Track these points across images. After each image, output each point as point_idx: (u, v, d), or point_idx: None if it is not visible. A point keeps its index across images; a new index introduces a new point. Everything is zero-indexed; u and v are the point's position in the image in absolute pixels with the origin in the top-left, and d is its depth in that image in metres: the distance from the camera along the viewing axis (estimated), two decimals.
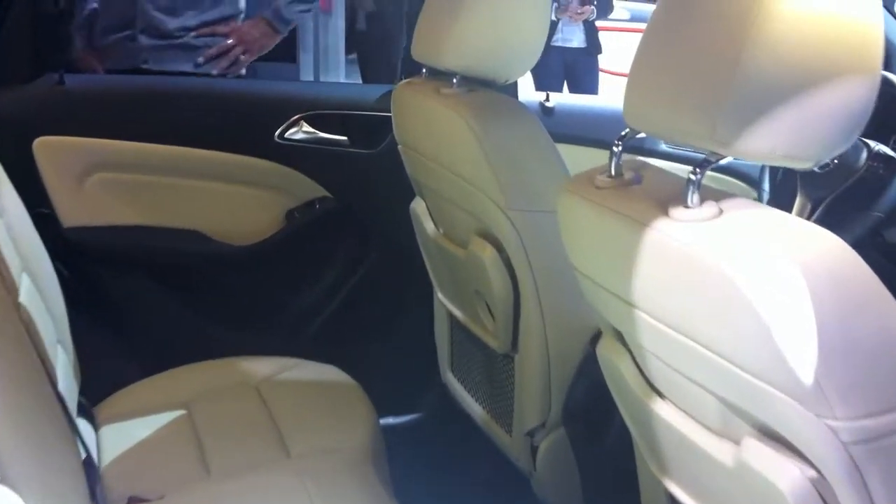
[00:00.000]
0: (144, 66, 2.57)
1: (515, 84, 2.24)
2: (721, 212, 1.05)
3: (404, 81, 2.01)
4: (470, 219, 1.84)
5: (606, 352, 1.34)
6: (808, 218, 2.25)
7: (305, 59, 6.51)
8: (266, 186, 2.36)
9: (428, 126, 1.87)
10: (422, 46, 1.86)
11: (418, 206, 2.10)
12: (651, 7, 1.22)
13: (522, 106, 1.83)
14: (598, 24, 6.27)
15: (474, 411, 2.13)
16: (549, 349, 1.76)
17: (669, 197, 1.09)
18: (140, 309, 2.36)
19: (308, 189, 2.36)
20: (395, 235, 2.28)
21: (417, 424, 2.47)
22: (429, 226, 2.07)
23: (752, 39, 0.98)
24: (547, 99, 2.58)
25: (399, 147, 2.03)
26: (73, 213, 2.26)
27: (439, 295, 2.17)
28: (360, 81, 5.47)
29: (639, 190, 1.19)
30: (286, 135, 2.32)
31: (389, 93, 2.01)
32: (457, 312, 2.09)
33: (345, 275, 2.45)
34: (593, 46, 6.21)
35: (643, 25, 1.18)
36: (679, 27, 1.10)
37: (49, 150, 2.22)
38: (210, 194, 2.34)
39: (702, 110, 1.02)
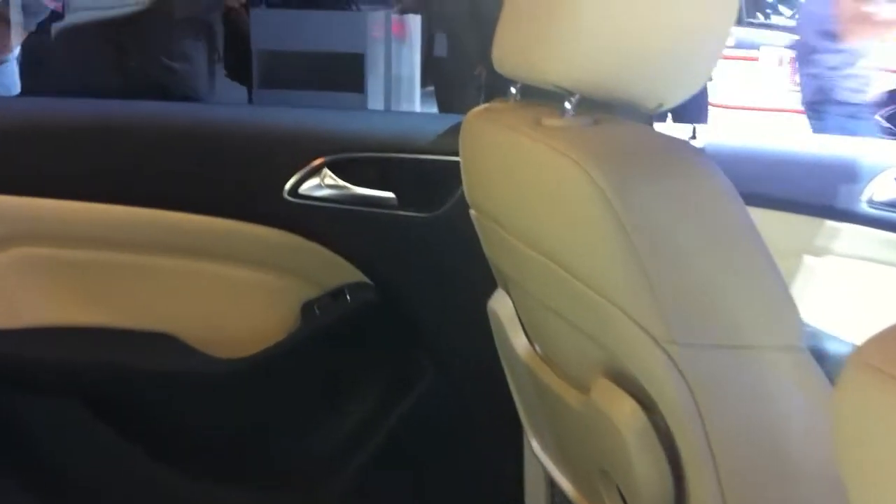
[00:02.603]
0: None
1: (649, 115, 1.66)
2: None
3: (480, 107, 1.47)
4: (591, 346, 1.25)
5: None
6: None
7: (374, 88, 6.07)
8: (271, 267, 1.92)
9: (518, 181, 1.30)
10: (510, 51, 1.31)
11: (501, 307, 1.55)
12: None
13: (695, 150, 1.22)
14: None
15: None
16: None
17: None
18: (76, 456, 1.91)
19: (333, 271, 1.90)
20: (465, 345, 1.84)
21: None
22: (518, 340, 1.51)
23: None
24: (693, 136, 1.98)
25: (471, 212, 1.50)
26: None
27: (533, 444, 1.64)
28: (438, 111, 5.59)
29: None
30: (302, 189, 1.84)
31: (458, 127, 1.51)
32: (562, 481, 1.55)
33: (387, 403, 1.98)
34: None
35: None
36: None
37: None
38: (188, 280, 1.90)
39: None
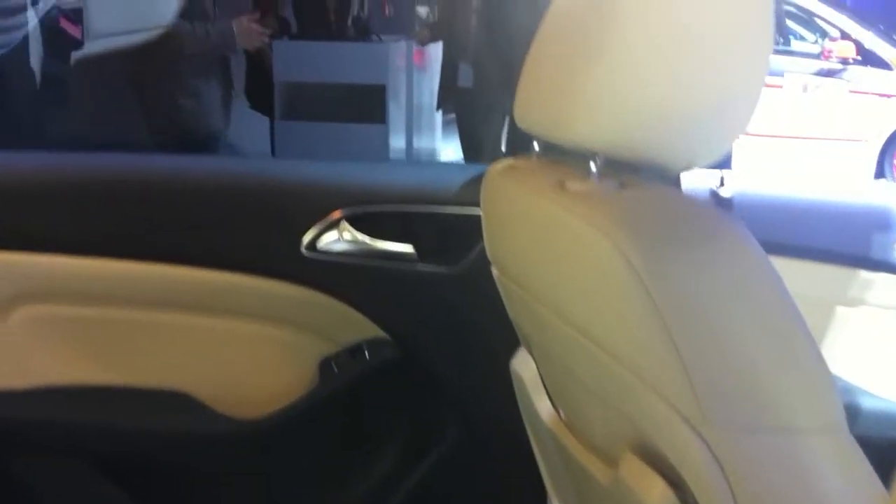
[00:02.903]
0: None
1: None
2: None
3: (502, 162, 1.39)
4: (619, 419, 1.18)
5: None
6: None
7: (396, 118, 6.00)
8: (287, 323, 1.84)
9: (542, 248, 1.23)
10: (531, 108, 1.23)
11: (523, 368, 1.47)
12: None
13: (728, 219, 1.10)
14: None
15: None
16: None
17: None
18: None
19: (352, 327, 1.83)
20: (488, 404, 1.75)
21: None
22: (541, 404, 1.44)
23: None
24: (721, 184, 1.89)
25: (492, 269, 1.43)
26: None
27: None
28: (459, 141, 5.41)
29: None
30: (320, 244, 1.78)
31: (480, 177, 1.44)
32: None
33: (408, 463, 1.90)
34: None
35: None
36: None
37: None
38: (202, 337, 1.83)
39: None
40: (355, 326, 1.82)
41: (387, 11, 7.64)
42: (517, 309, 1.38)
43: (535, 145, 1.29)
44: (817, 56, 8.33)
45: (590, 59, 1.07)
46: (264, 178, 1.85)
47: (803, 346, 1.01)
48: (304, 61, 5.37)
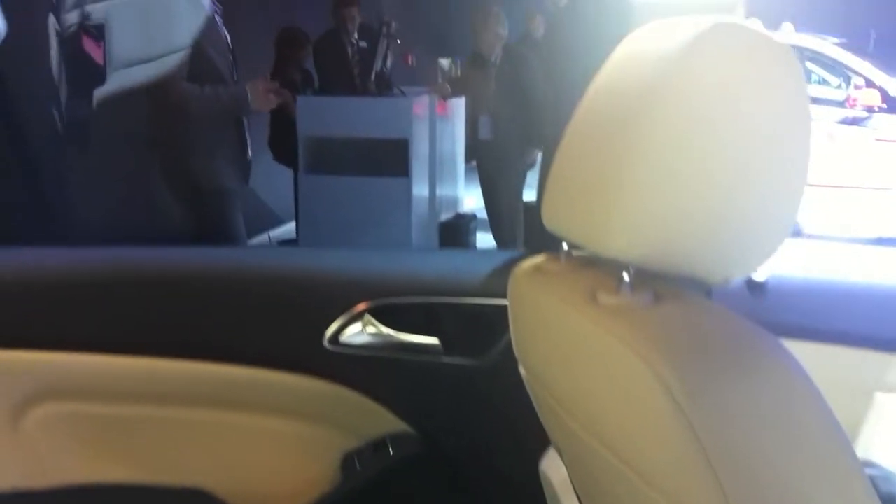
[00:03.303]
0: None
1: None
2: None
3: (529, 262, 1.30)
4: None
5: None
6: None
7: (419, 170, 5.97)
8: (309, 417, 1.77)
9: (573, 362, 1.14)
10: (561, 213, 1.16)
11: (553, 471, 1.43)
12: None
13: (770, 339, 1.02)
14: None
15: None
16: None
17: None
18: None
19: (375, 420, 1.76)
20: (517, 502, 1.64)
21: None
22: None
23: None
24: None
25: (520, 369, 1.35)
26: (2, 469, 1.72)
27: None
28: (480, 191, 5.49)
29: None
30: (343, 337, 1.72)
31: (507, 266, 1.40)
32: None
33: None
34: None
35: None
36: None
37: None
38: (222, 433, 1.76)
39: None
40: (379, 420, 1.75)
41: (410, 61, 7.64)
42: (546, 414, 1.31)
43: (564, 245, 1.23)
44: (842, 104, 8.27)
45: (620, 168, 1.02)
46: (286, 270, 1.80)
47: (850, 472, 0.96)
48: (328, 116, 5.35)
